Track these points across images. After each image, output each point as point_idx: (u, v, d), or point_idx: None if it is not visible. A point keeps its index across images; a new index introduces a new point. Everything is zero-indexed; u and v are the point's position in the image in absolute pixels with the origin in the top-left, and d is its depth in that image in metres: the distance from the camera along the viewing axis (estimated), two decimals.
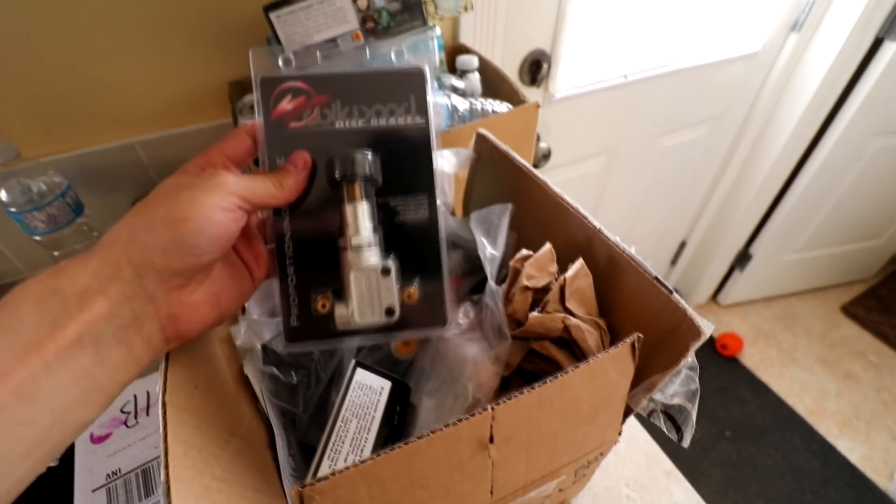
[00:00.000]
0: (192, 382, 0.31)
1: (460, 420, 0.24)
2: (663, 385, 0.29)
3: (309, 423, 0.39)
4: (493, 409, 0.24)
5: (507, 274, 0.35)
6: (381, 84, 0.34)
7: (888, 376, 1.66)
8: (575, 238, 0.36)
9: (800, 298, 1.93)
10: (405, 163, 0.34)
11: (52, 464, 0.46)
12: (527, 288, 0.34)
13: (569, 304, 0.32)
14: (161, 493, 0.23)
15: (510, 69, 0.97)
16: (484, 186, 0.48)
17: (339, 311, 0.32)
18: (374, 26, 0.56)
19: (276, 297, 0.33)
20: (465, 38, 0.83)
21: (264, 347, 0.39)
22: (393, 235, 0.34)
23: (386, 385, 0.35)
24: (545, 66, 0.98)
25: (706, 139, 1.37)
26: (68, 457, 0.46)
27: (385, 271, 0.32)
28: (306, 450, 0.39)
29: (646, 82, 1.10)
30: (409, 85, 0.34)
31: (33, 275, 0.24)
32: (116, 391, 0.25)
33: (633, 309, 0.32)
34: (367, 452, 0.32)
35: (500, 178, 0.45)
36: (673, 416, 0.31)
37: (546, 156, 1.06)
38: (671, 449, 0.52)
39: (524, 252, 0.35)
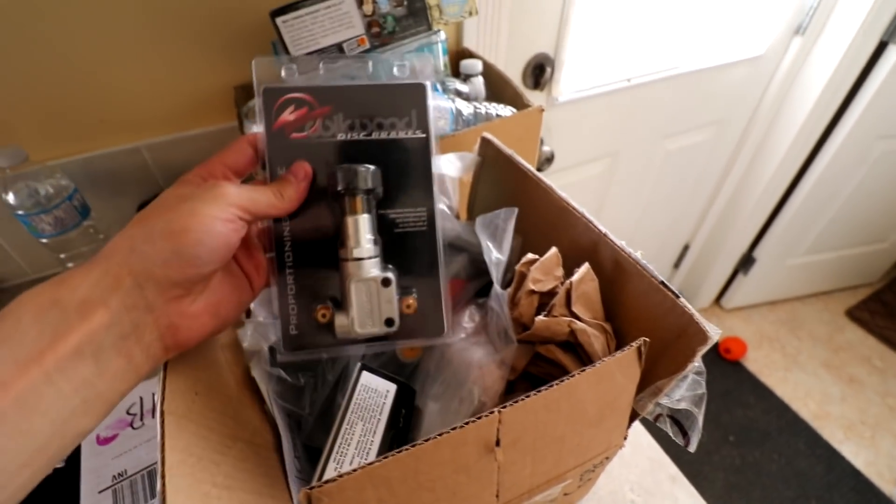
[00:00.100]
0: (192, 389, 0.31)
1: (467, 423, 0.24)
2: (670, 389, 0.29)
3: (314, 425, 0.39)
4: (499, 412, 0.24)
5: (513, 278, 0.35)
6: (383, 97, 0.34)
7: (893, 381, 1.65)
8: (580, 242, 0.36)
9: (804, 302, 1.93)
10: (405, 176, 0.34)
11: (58, 465, 0.46)
12: (533, 292, 0.34)
13: (575, 308, 0.32)
14: (157, 502, 0.24)
15: (514, 73, 0.97)
16: (488, 190, 0.48)
17: (340, 320, 0.32)
18: (379, 31, 0.57)
19: (275, 305, 0.33)
20: (469, 43, 0.83)
21: (271, 349, 0.39)
22: (392, 246, 0.34)
23: (391, 388, 0.35)
24: (548, 69, 0.99)
25: (710, 143, 1.37)
26: (74, 458, 0.46)
27: (385, 282, 0.32)
28: (311, 452, 0.39)
29: (649, 86, 1.10)
30: (411, 99, 0.34)
31: (39, 277, 0.24)
32: (116, 400, 0.26)
33: (639, 313, 0.32)
34: (372, 455, 0.32)
35: (504, 181, 0.45)
36: (679, 420, 0.31)
37: (549, 159, 1.06)
38: (674, 453, 0.52)
39: (530, 256, 0.35)
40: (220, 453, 0.30)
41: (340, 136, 0.34)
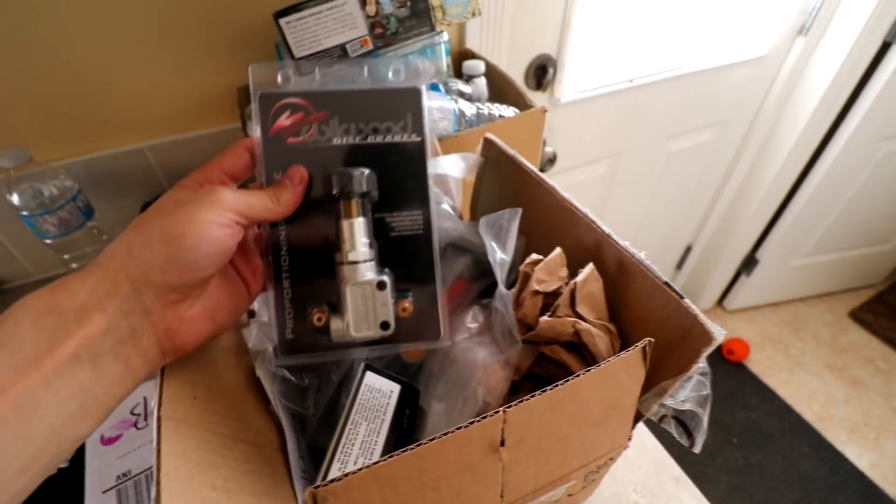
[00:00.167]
0: (191, 393, 0.31)
1: (472, 422, 0.24)
2: (674, 390, 0.29)
3: (318, 425, 0.40)
4: (504, 412, 0.24)
5: (517, 278, 0.35)
6: (378, 102, 0.34)
7: None
8: (584, 243, 0.36)
9: (807, 304, 1.92)
10: (401, 180, 0.35)
11: (62, 465, 0.47)
12: (537, 292, 0.34)
13: (579, 309, 0.32)
14: None
15: (516, 74, 0.97)
16: (491, 191, 0.48)
17: (335, 324, 0.32)
18: (382, 32, 0.57)
19: (272, 310, 0.33)
20: (472, 44, 0.83)
21: (275, 350, 0.39)
22: (388, 250, 0.34)
23: (395, 388, 0.35)
24: (551, 70, 0.99)
25: (712, 143, 1.37)
26: (79, 458, 0.47)
27: (380, 286, 0.32)
28: (315, 452, 0.39)
29: (651, 86, 1.10)
30: (406, 103, 0.35)
31: (43, 278, 0.24)
32: (113, 405, 0.26)
33: (643, 314, 0.32)
34: (376, 455, 0.32)
35: (507, 182, 0.45)
36: (684, 421, 0.31)
37: (551, 160, 1.06)
38: (677, 455, 0.52)
39: (534, 256, 0.35)
40: (220, 456, 0.30)
41: (336, 141, 0.34)
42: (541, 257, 0.35)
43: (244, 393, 0.37)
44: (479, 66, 0.71)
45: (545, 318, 0.33)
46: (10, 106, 0.62)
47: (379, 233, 0.34)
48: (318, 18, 0.54)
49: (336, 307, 0.33)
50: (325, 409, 0.40)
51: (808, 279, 1.84)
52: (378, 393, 0.34)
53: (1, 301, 0.70)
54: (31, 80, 0.61)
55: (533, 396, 0.25)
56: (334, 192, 0.32)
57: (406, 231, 0.34)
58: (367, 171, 0.33)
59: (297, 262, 0.33)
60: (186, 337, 0.29)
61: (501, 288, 0.35)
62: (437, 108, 0.57)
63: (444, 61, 0.64)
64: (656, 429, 0.47)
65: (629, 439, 0.34)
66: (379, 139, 0.34)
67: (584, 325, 0.32)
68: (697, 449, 0.31)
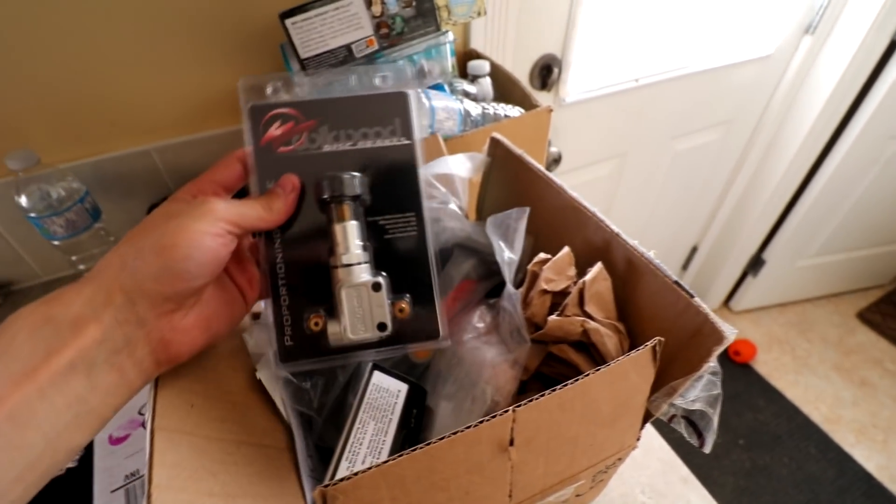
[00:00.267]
0: (187, 402, 0.31)
1: (481, 421, 0.24)
2: (684, 390, 0.29)
3: (324, 425, 0.39)
4: (514, 411, 0.24)
5: (525, 277, 0.35)
6: (366, 108, 0.35)
7: None
8: (592, 242, 0.36)
9: (814, 304, 1.91)
10: (392, 182, 0.35)
11: (71, 465, 0.47)
12: (545, 291, 0.34)
13: (588, 308, 0.32)
14: None
15: (521, 74, 0.97)
16: (498, 191, 0.48)
17: (332, 328, 0.32)
18: (388, 32, 0.57)
19: (270, 317, 0.33)
20: (476, 44, 0.83)
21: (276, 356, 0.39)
22: (383, 253, 0.34)
23: (403, 388, 0.35)
24: (556, 70, 0.99)
25: (718, 143, 1.36)
26: (87, 458, 0.47)
27: (375, 287, 0.32)
28: (322, 452, 0.39)
29: (657, 86, 1.10)
30: (394, 107, 0.35)
31: (51, 279, 0.25)
32: (109, 415, 0.26)
33: (653, 313, 0.32)
34: (384, 455, 0.32)
35: (514, 182, 0.45)
36: (694, 421, 0.30)
37: (556, 160, 1.06)
38: (683, 456, 0.51)
39: (542, 256, 0.35)
40: (219, 462, 0.30)
41: (327, 148, 0.34)
42: (549, 256, 0.35)
43: (247, 395, 0.37)
44: (484, 66, 0.71)
45: (554, 317, 0.32)
46: (17, 109, 0.62)
47: (373, 236, 0.34)
48: (324, 19, 0.54)
49: (333, 311, 0.33)
50: (331, 409, 0.40)
51: (816, 280, 1.83)
52: (386, 392, 0.34)
53: (9, 302, 0.70)
54: (38, 83, 0.61)
55: (542, 396, 0.25)
56: (325, 196, 0.33)
57: (400, 233, 0.35)
58: (357, 174, 0.33)
59: (293, 269, 0.34)
60: (180, 346, 0.29)
61: (510, 287, 0.35)
62: (443, 108, 0.57)
63: (450, 61, 0.64)
64: (664, 429, 0.47)
65: (638, 439, 0.34)
66: (368, 144, 0.35)
67: (592, 324, 0.32)
68: (707, 449, 0.30)
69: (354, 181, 0.33)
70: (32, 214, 0.58)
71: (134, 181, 0.72)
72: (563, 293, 0.34)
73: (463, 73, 0.73)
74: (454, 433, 0.23)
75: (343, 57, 0.57)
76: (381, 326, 0.32)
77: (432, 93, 0.58)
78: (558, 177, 0.39)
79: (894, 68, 1.19)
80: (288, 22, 0.53)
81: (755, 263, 1.72)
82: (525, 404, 0.24)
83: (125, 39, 0.62)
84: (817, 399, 1.61)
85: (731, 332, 0.27)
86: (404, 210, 0.35)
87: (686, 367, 0.29)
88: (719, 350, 0.27)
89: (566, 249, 0.35)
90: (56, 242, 0.61)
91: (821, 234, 1.61)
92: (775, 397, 1.62)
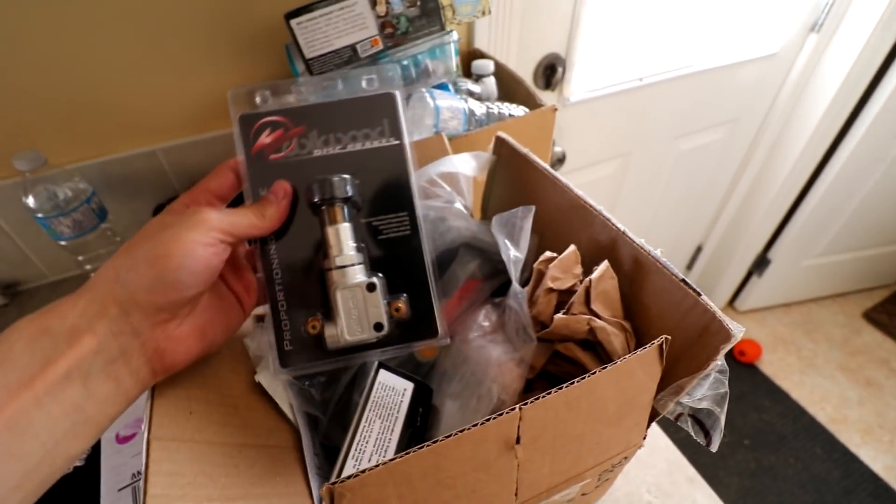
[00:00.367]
0: (185, 410, 0.31)
1: (488, 419, 0.24)
2: (691, 388, 0.29)
3: (330, 423, 0.40)
4: (520, 409, 0.24)
5: (531, 276, 0.35)
6: (354, 111, 0.35)
7: None
8: (598, 240, 0.36)
9: (820, 304, 1.90)
10: (384, 183, 0.35)
11: (78, 463, 0.47)
12: (551, 290, 0.34)
13: (594, 306, 0.32)
14: None
15: (525, 73, 0.97)
16: (503, 190, 0.48)
17: (329, 330, 0.33)
18: (392, 32, 0.57)
19: (268, 323, 0.33)
20: (480, 43, 0.83)
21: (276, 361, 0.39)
22: (379, 254, 0.35)
23: (409, 386, 0.35)
24: (560, 69, 0.98)
25: (723, 142, 1.36)
26: (94, 457, 0.47)
27: (370, 287, 0.32)
28: (328, 451, 0.39)
29: (661, 85, 1.09)
30: (382, 109, 0.36)
31: (58, 280, 0.25)
32: (105, 424, 0.27)
33: (659, 311, 0.32)
34: (390, 453, 0.32)
35: (519, 181, 0.45)
36: (701, 419, 0.30)
37: (560, 160, 1.06)
38: (689, 456, 0.51)
39: (548, 254, 0.35)
40: (219, 466, 0.30)
41: (317, 153, 0.35)
42: (555, 255, 0.35)
43: (249, 398, 0.37)
44: (489, 65, 0.71)
45: (560, 315, 0.32)
46: (25, 110, 0.63)
47: (368, 237, 0.35)
48: (329, 19, 0.54)
49: (330, 314, 0.33)
50: (336, 408, 0.40)
51: (821, 279, 1.82)
52: (391, 391, 0.34)
53: (16, 302, 0.71)
54: (45, 85, 0.62)
55: (549, 394, 0.25)
56: (316, 199, 0.33)
57: (394, 233, 0.35)
58: (347, 176, 0.34)
59: (289, 274, 0.34)
60: (176, 355, 0.29)
61: (515, 285, 0.35)
62: (447, 107, 0.57)
63: (454, 61, 0.64)
64: (670, 429, 0.47)
65: (644, 438, 0.34)
66: (358, 146, 0.35)
67: (599, 322, 0.32)
68: (714, 448, 0.30)
69: (345, 183, 0.33)
70: (40, 215, 0.58)
71: (140, 182, 0.72)
72: (570, 291, 0.34)
73: (467, 72, 0.73)
74: (461, 431, 0.23)
75: (348, 57, 0.57)
76: (378, 327, 0.33)
77: (437, 92, 0.58)
78: (562, 176, 0.39)
79: None
80: (293, 22, 0.54)
81: (760, 263, 1.71)
82: (531, 402, 0.24)
83: (130, 41, 0.63)
84: (823, 399, 1.60)
85: (738, 330, 0.26)
86: (397, 210, 0.35)
87: (693, 365, 0.28)
88: (727, 348, 0.27)
89: (572, 248, 0.35)
90: (63, 243, 0.62)
91: (826, 234, 1.61)
92: (781, 397, 1.61)
